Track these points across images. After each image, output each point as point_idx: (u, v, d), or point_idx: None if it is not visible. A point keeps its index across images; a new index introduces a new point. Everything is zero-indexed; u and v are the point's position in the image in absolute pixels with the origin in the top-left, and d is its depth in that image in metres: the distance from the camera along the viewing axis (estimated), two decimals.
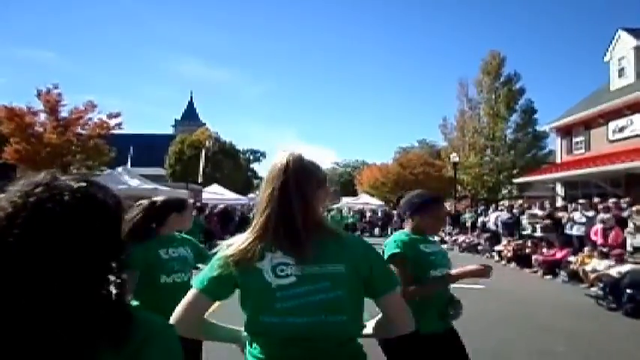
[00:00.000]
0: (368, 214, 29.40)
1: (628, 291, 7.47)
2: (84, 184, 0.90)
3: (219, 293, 1.52)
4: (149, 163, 36.03)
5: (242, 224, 21.41)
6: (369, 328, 1.72)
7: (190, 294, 1.52)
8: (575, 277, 10.25)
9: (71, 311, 0.81)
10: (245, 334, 1.57)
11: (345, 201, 33.95)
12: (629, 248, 9.24)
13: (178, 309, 1.51)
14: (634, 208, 10.06)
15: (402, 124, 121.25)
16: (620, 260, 8.62)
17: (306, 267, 1.46)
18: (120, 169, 19.74)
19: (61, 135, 20.21)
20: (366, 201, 33.45)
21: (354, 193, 42.49)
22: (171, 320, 1.48)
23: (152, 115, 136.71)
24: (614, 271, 8.15)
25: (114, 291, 0.89)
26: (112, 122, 22.01)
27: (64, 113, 20.86)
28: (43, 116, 20.63)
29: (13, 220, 0.81)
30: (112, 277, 0.90)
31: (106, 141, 22.32)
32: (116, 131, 22.76)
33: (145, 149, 24.92)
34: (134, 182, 18.43)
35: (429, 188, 35.63)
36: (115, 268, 0.90)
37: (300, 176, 1.51)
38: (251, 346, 1.54)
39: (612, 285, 7.85)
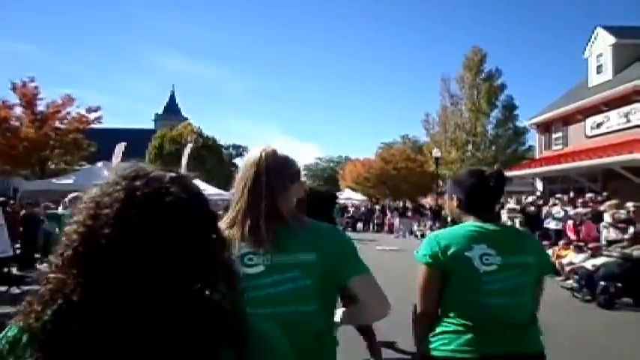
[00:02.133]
0: (351, 210, 29.53)
1: (602, 283, 7.65)
2: (175, 174, 0.81)
3: None
4: (130, 158, 35.39)
5: None
6: (337, 315, 1.71)
7: None
8: (552, 269, 10.44)
9: (185, 318, 0.73)
10: None
11: None
12: (603, 242, 9.44)
13: None
14: (608, 203, 10.28)
15: (385, 120, 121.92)
16: (595, 253, 8.81)
17: (275, 257, 1.47)
18: (100, 164, 19.43)
19: (38, 129, 19.81)
20: (349, 196, 33.58)
21: (337, 189, 42.56)
22: None
23: (133, 110, 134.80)
24: (589, 264, 8.34)
25: (225, 294, 0.81)
26: (92, 116, 21.65)
27: (41, 107, 20.46)
28: (19, 110, 20.21)
29: (125, 218, 0.72)
30: (222, 279, 0.81)
31: (85, 136, 21.94)
32: (96, 126, 22.40)
33: (126, 144, 24.56)
34: None
35: (411, 183, 36.12)
36: (222, 270, 0.81)
37: (272, 170, 1.54)
38: None
39: (587, 277, 8.03)
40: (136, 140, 39.46)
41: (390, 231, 24.95)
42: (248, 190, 1.53)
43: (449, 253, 1.91)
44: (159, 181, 0.77)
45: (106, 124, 27.86)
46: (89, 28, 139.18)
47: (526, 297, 1.98)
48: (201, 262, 0.77)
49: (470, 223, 2.01)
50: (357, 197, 33.81)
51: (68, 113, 21.11)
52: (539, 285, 2.06)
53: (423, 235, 21.37)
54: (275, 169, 1.55)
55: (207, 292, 0.77)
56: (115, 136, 29.79)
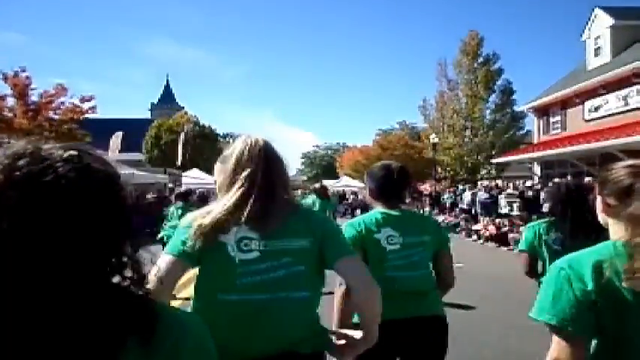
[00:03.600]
0: (351, 197, 29.54)
1: None
2: (75, 152, 0.75)
3: (194, 258, 1.48)
4: (126, 148, 35.42)
5: None
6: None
7: (167, 260, 1.45)
8: None
9: (86, 306, 0.68)
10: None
11: (326, 183, 33.97)
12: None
13: (158, 276, 1.39)
14: None
15: (383, 106, 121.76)
16: None
17: (270, 242, 1.47)
18: None
19: (32, 120, 19.63)
20: (347, 183, 33.57)
21: (335, 176, 42.57)
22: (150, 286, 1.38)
23: (128, 99, 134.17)
24: None
25: (130, 281, 0.76)
26: (85, 106, 21.44)
27: (33, 97, 20.25)
28: (11, 101, 20.00)
29: (1, 200, 0.67)
30: (125, 262, 0.76)
31: (80, 126, 21.77)
32: (90, 115, 22.21)
33: (122, 134, 24.48)
34: None
35: (410, 170, 36.21)
36: (126, 251, 0.77)
37: (275, 158, 1.60)
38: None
39: None
40: (132, 130, 39.36)
41: None
42: (246, 176, 1.52)
43: (363, 235, 2.24)
44: (46, 160, 0.71)
45: (101, 114, 27.72)
46: (80, 16, 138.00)
47: (425, 269, 2.35)
48: (100, 248, 0.72)
49: (378, 210, 2.36)
50: (356, 184, 33.78)
51: (62, 103, 20.91)
52: (443, 257, 2.42)
53: None
54: (277, 158, 1.61)
55: (112, 279, 0.74)
56: (110, 126, 29.68)
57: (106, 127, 28.23)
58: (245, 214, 1.45)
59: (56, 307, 0.68)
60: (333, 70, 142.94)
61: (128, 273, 0.77)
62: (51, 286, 0.67)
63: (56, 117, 20.98)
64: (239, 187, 1.51)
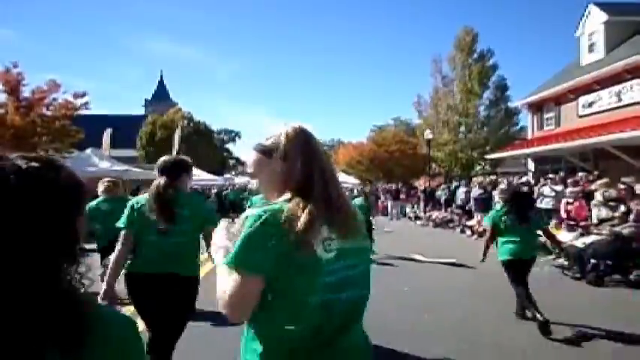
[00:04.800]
0: (346, 193, 29.49)
1: (592, 261, 7.68)
2: (35, 164, 0.80)
3: (273, 271, 1.35)
4: (121, 144, 35.25)
5: (221, 204, 21.26)
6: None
7: (244, 281, 1.33)
8: (542, 249, 10.48)
9: (16, 310, 0.70)
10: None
11: None
12: (594, 220, 9.46)
13: (237, 300, 1.35)
14: (599, 182, 10.29)
15: (377, 103, 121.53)
16: (586, 232, 8.83)
17: (344, 242, 1.45)
18: (88, 151, 19.23)
19: (24, 116, 19.44)
20: (343, 180, 33.52)
21: None
22: (232, 313, 1.36)
23: (121, 96, 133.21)
24: (579, 242, 8.36)
25: (69, 286, 0.79)
26: (78, 102, 21.26)
27: (25, 93, 20.03)
28: (2, 97, 19.81)
29: None
30: (67, 270, 0.80)
31: (73, 122, 21.59)
32: (84, 112, 22.03)
33: (116, 130, 24.14)
34: (104, 164, 17.98)
35: (404, 166, 36.14)
36: (69, 260, 0.80)
37: (322, 150, 1.58)
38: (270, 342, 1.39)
39: (577, 255, 8.05)
40: (126, 126, 39.17)
41: (384, 214, 24.97)
42: (321, 169, 1.49)
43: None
44: (1, 171, 0.77)
45: (94, 111, 27.51)
46: (72, 12, 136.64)
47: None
48: (41, 257, 0.75)
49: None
50: (351, 180, 33.73)
51: (54, 99, 20.72)
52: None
53: (416, 217, 21.46)
54: (322, 148, 1.59)
55: (39, 286, 0.75)
56: (104, 122, 29.47)
57: (100, 123, 28.04)
58: (323, 214, 1.40)
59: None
60: (328, 66, 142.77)
61: (67, 282, 0.79)
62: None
63: (49, 113, 20.79)
64: (317, 184, 1.45)
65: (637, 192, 9.28)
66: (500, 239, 5.59)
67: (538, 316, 5.00)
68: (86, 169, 16.52)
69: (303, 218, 1.35)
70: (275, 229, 1.33)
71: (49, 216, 0.77)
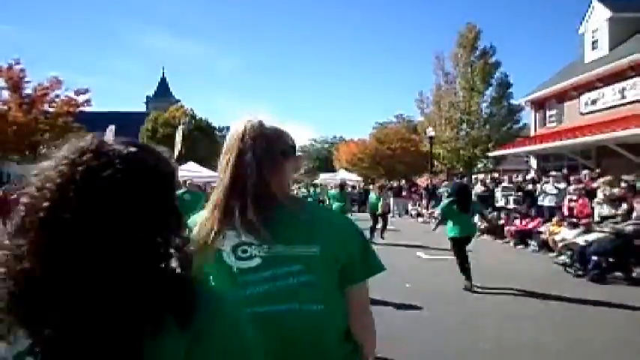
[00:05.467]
0: (348, 190, 29.52)
1: (593, 258, 7.67)
2: (134, 149, 0.83)
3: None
4: None
5: None
6: None
7: None
8: (545, 246, 10.50)
9: (132, 288, 0.74)
10: None
11: (323, 177, 33.96)
12: (596, 218, 9.45)
13: None
14: (602, 180, 10.27)
15: (380, 100, 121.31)
16: (588, 229, 8.82)
17: (273, 247, 1.27)
18: None
19: (27, 113, 19.48)
20: (344, 177, 33.53)
21: (332, 170, 42.55)
22: None
23: (123, 92, 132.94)
24: (581, 240, 8.35)
25: (175, 265, 0.82)
26: (80, 99, 21.32)
27: (28, 90, 20.08)
28: (5, 94, 19.86)
29: (64, 192, 0.74)
30: (172, 251, 0.82)
31: (75, 119, 21.63)
32: (85, 109, 22.09)
33: (118, 127, 24.22)
34: None
35: (406, 163, 36.05)
36: (174, 240, 0.83)
37: (258, 145, 1.33)
38: None
39: (579, 253, 8.05)
40: (128, 123, 39.14)
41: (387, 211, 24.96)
42: (231, 167, 1.32)
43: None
44: (106, 155, 0.79)
45: (96, 108, 27.52)
46: (74, 7, 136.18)
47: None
48: (148, 237, 0.78)
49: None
50: (353, 178, 33.74)
51: (57, 96, 20.78)
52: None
53: (418, 215, 21.45)
54: (262, 142, 1.34)
55: (152, 265, 0.78)
56: (106, 119, 29.50)
57: (102, 120, 28.00)
58: (235, 215, 1.27)
59: (106, 289, 0.73)
60: (330, 63, 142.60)
61: (173, 259, 0.82)
62: (103, 270, 0.73)
63: (51, 110, 20.84)
64: (220, 181, 1.35)
65: (638, 190, 9.25)
66: (449, 222, 7.33)
67: (467, 283, 6.98)
68: None
69: (197, 229, 1.30)
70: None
71: (153, 199, 0.80)
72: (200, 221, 1.33)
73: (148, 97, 71.96)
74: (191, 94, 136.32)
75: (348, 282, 1.35)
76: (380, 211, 12.83)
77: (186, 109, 40.60)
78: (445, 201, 7.82)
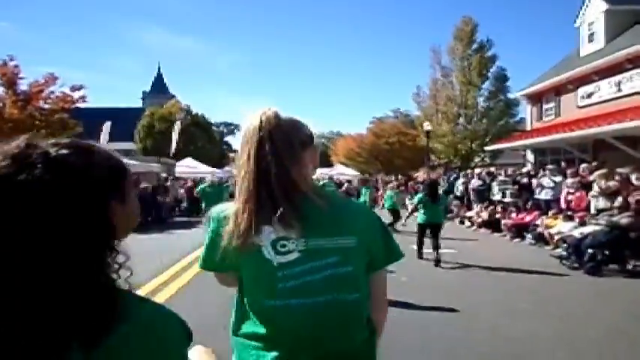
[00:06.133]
0: (345, 185, 29.51)
1: (589, 251, 7.69)
2: (64, 151, 0.76)
3: (234, 266, 1.38)
4: (119, 137, 35.23)
5: None
6: None
7: (217, 277, 1.52)
8: (541, 239, 10.52)
9: (44, 303, 0.69)
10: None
11: (320, 172, 33.92)
12: (592, 211, 9.46)
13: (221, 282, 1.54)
14: (597, 172, 10.28)
15: (377, 94, 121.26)
16: (583, 222, 8.83)
17: (311, 240, 1.31)
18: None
19: (22, 110, 19.37)
20: (342, 171, 33.49)
21: (330, 164, 42.51)
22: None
23: (119, 88, 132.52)
24: (577, 233, 8.36)
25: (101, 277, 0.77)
26: (76, 95, 21.18)
27: (23, 87, 19.94)
28: (0, 90, 19.73)
29: None
30: (101, 260, 0.77)
31: (71, 115, 21.53)
32: (82, 105, 21.96)
33: (114, 123, 24.01)
34: None
35: (404, 158, 36.06)
36: (102, 253, 0.78)
37: (276, 136, 1.33)
38: (250, 339, 1.35)
39: (575, 245, 8.06)
40: (124, 119, 39.10)
41: (384, 205, 24.97)
42: (254, 158, 1.32)
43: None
44: (27, 159, 0.73)
45: (92, 104, 27.35)
46: (67, 2, 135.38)
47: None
48: (71, 250, 0.72)
49: None
50: (350, 172, 33.72)
51: (52, 92, 20.63)
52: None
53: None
54: (279, 133, 1.34)
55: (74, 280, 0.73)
56: (102, 115, 29.34)
57: (98, 116, 27.93)
58: (267, 210, 1.29)
59: (13, 303, 0.69)
60: (328, 58, 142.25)
61: (100, 272, 0.77)
62: (12, 283, 0.68)
63: (47, 106, 20.73)
64: (243, 178, 1.34)
65: (634, 182, 9.25)
66: (420, 211, 8.89)
67: (417, 255, 8.82)
68: None
69: (236, 218, 1.33)
70: (222, 228, 1.35)
71: (75, 206, 0.74)
72: (232, 213, 1.34)
73: (144, 92, 71.76)
74: (188, 90, 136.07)
75: (373, 269, 1.42)
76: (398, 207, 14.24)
77: (182, 104, 40.47)
78: (418, 195, 9.53)
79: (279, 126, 1.35)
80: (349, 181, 30.10)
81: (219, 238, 1.34)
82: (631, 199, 8.23)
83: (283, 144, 1.33)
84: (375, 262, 1.42)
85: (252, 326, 1.34)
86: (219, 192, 9.89)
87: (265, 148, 1.31)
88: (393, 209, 13.96)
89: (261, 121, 1.35)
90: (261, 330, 1.32)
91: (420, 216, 8.84)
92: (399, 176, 30.20)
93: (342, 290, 1.32)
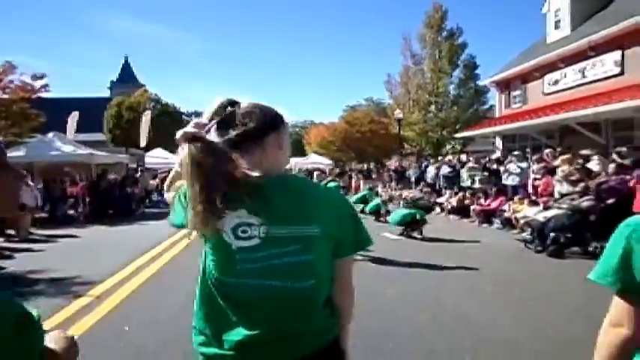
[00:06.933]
0: (316, 173, 29.50)
1: (552, 234, 7.88)
2: None
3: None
4: (87, 128, 34.29)
5: None
6: None
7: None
8: (508, 224, 10.74)
9: None
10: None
11: (295, 161, 33.81)
12: (556, 195, 9.68)
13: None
14: (561, 158, 10.51)
15: (350, 83, 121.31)
16: (547, 207, 9.04)
17: (273, 228, 1.32)
18: (51, 134, 18.56)
19: None
20: (316, 160, 33.47)
21: (304, 153, 42.42)
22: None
23: (86, 77, 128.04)
24: (541, 217, 8.55)
25: None
26: (37, 84, 20.46)
27: None
28: None
29: None
30: None
31: (34, 105, 20.79)
32: (45, 95, 21.25)
33: (82, 113, 23.24)
34: (68, 148, 17.42)
35: (376, 146, 36.23)
36: None
37: (241, 120, 1.37)
38: (206, 309, 1.40)
39: (538, 229, 8.25)
40: (91, 109, 37.94)
41: (356, 193, 25.07)
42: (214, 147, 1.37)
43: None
44: None
45: (58, 94, 26.54)
46: None
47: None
48: None
49: None
50: (324, 161, 33.72)
51: (11, 82, 19.87)
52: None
53: (391, 198, 21.60)
54: (245, 119, 1.37)
55: None
56: (68, 105, 28.47)
57: (63, 106, 27.12)
58: (217, 196, 1.29)
59: None
60: (299, 46, 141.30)
61: None
62: None
63: (5, 96, 19.96)
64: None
65: (595, 168, 9.49)
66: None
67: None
68: (49, 153, 16.05)
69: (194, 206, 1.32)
70: (184, 204, 1.37)
71: None
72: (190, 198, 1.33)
73: (112, 82, 69.87)
74: (157, 79, 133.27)
75: (340, 255, 1.43)
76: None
77: (151, 93, 39.60)
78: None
79: (246, 110, 1.39)
80: (322, 172, 30.16)
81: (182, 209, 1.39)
82: (591, 184, 8.45)
83: (239, 130, 1.36)
84: (343, 250, 1.42)
85: (211, 303, 1.37)
86: None
87: (219, 137, 1.35)
88: (376, 210, 13.33)
89: (222, 104, 1.40)
90: (220, 305, 1.36)
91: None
92: (372, 164, 30.34)
93: (298, 278, 1.33)
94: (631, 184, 7.68)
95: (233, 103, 1.41)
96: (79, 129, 23.24)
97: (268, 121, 1.42)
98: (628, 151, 9.48)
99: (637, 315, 1.15)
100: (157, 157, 27.03)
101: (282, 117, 1.49)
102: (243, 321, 1.33)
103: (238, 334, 1.33)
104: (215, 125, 1.39)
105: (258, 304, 1.33)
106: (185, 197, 1.36)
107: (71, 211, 15.07)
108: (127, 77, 67.41)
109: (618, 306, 1.18)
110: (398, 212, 10.66)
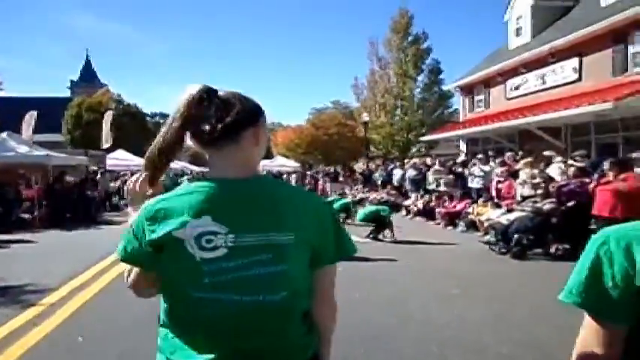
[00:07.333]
0: (284, 176, 29.38)
1: (515, 236, 8.01)
2: None
3: (151, 265, 1.25)
4: (45, 128, 33.02)
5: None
6: None
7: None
8: (472, 226, 10.89)
9: None
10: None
11: (262, 163, 33.50)
12: (518, 198, 9.88)
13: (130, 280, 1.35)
14: (523, 161, 10.74)
15: (317, 85, 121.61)
16: (511, 209, 9.21)
17: (241, 236, 1.18)
18: (4, 134, 17.73)
19: None
20: (283, 163, 33.28)
21: (270, 156, 42.17)
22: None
23: (44, 76, 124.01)
24: (504, 219, 8.70)
25: None
26: None
27: None
28: None
29: None
30: None
31: None
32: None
33: (40, 114, 22.26)
34: (23, 149, 16.67)
35: (343, 149, 36.39)
36: None
37: (213, 112, 1.21)
38: (174, 330, 1.25)
39: (502, 231, 8.39)
40: (50, 109, 36.64)
41: (322, 196, 25.07)
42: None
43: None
44: None
45: (14, 92, 25.42)
46: None
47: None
48: None
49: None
50: (291, 164, 33.55)
51: None
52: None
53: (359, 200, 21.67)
54: (218, 111, 1.22)
55: None
56: (24, 105, 27.37)
57: (20, 106, 26.08)
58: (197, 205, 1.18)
59: None
60: (266, 48, 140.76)
61: None
62: None
63: None
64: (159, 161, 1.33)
65: (556, 175, 9.71)
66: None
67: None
68: (2, 154, 15.31)
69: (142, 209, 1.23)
70: (147, 219, 1.22)
71: None
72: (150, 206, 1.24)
73: (72, 81, 67.77)
74: (119, 79, 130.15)
75: (319, 264, 1.29)
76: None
77: (113, 93, 38.54)
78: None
79: (220, 100, 1.24)
80: (289, 174, 30.06)
81: (136, 232, 1.24)
82: (552, 186, 8.65)
83: (215, 126, 1.21)
84: (322, 258, 1.29)
85: (175, 319, 1.25)
86: (174, 184, 9.28)
87: (189, 125, 1.23)
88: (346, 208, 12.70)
89: (192, 96, 1.23)
90: (186, 321, 1.23)
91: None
92: (339, 167, 30.39)
93: (270, 291, 1.20)
94: (591, 187, 7.89)
95: (209, 91, 1.24)
96: (37, 129, 22.30)
97: (247, 114, 1.26)
98: (581, 155, 9.82)
99: (607, 337, 1.01)
100: (118, 158, 26.24)
101: (261, 108, 1.33)
102: (213, 339, 1.20)
103: (208, 353, 1.19)
104: (184, 121, 1.25)
105: (228, 320, 1.19)
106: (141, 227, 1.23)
107: (26, 215, 14.39)
108: (88, 77, 65.53)
109: (587, 328, 1.05)
110: (364, 209, 10.72)
